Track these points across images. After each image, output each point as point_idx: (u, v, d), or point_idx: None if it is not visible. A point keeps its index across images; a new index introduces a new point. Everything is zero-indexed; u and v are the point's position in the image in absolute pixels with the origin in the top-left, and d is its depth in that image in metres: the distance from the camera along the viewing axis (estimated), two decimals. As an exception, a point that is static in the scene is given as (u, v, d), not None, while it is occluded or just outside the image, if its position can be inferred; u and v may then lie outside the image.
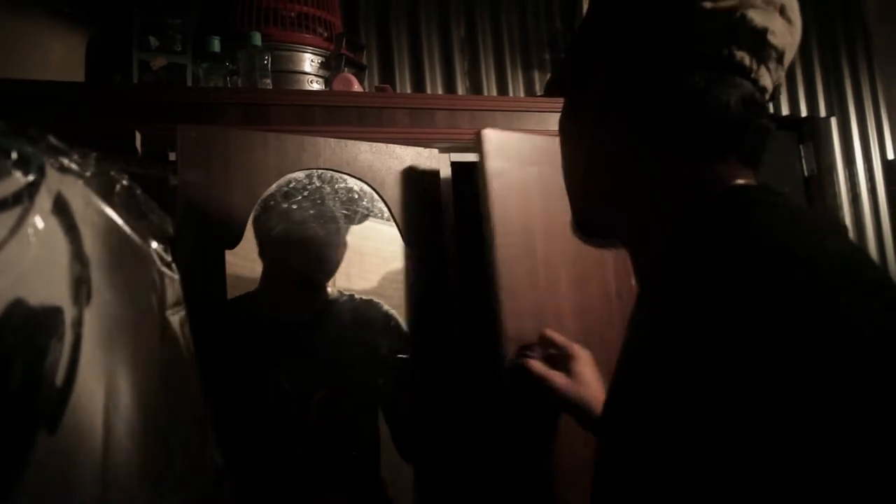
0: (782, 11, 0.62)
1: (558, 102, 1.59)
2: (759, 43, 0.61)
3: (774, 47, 0.62)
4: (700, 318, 0.48)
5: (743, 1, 0.61)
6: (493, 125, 1.47)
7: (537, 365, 1.09)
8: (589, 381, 1.06)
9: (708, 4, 0.60)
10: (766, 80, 0.63)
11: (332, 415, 1.27)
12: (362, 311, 1.32)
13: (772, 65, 0.63)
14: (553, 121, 1.57)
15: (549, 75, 2.48)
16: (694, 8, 0.60)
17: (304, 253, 1.28)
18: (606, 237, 0.74)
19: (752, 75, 0.62)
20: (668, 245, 0.60)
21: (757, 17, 0.60)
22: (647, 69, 0.63)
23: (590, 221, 0.75)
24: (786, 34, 0.62)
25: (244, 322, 1.18)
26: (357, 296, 1.31)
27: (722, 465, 0.43)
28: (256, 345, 1.19)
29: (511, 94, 2.40)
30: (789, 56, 0.64)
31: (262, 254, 1.21)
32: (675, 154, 0.63)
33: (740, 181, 0.61)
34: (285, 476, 1.20)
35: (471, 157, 1.46)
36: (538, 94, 2.43)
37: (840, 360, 0.42)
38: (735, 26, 0.60)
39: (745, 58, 0.61)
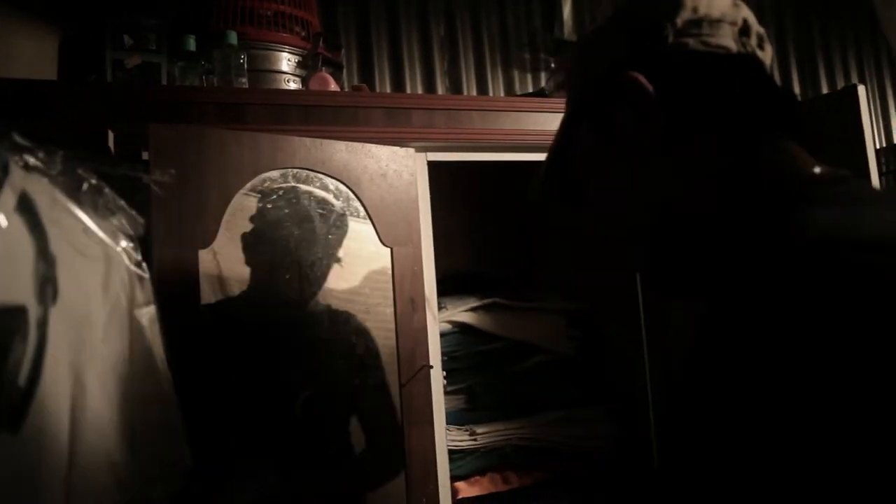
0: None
1: (534, 102, 1.61)
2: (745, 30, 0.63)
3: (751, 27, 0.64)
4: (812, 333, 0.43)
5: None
6: (470, 125, 1.47)
7: None
8: None
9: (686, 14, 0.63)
10: (764, 57, 0.65)
11: (313, 415, 1.28)
12: (341, 322, 1.32)
13: (746, 40, 0.64)
14: (531, 121, 1.58)
15: (549, 79, 2.49)
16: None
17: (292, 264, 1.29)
18: (692, 277, 0.63)
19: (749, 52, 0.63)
20: (759, 252, 0.53)
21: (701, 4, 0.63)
22: (671, 77, 0.62)
23: (669, 264, 0.65)
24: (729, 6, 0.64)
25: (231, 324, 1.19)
26: (334, 306, 1.31)
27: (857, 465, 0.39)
28: (244, 347, 1.20)
29: (491, 93, 2.41)
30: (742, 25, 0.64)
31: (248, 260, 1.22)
32: (732, 153, 0.60)
33: (815, 169, 0.58)
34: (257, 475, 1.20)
35: (447, 156, 1.47)
36: (518, 93, 2.44)
37: None
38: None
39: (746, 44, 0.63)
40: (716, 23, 0.63)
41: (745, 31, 0.64)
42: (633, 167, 0.64)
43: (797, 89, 2.84)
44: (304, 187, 1.27)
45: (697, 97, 0.61)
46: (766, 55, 0.66)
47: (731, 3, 0.65)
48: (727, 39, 0.63)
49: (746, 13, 0.65)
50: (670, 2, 0.63)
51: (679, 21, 0.62)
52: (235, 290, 1.24)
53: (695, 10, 0.63)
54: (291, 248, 1.27)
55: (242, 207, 1.24)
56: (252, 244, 1.23)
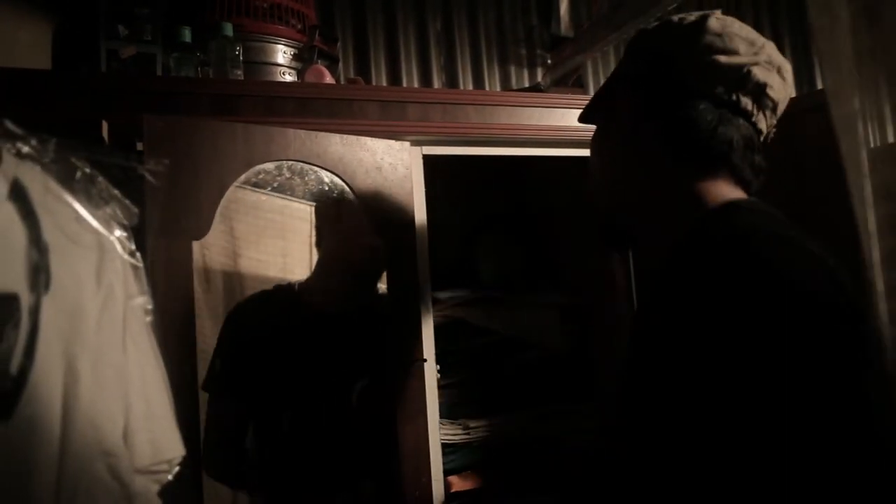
0: (779, 71, 0.77)
1: (530, 97, 1.60)
2: (759, 94, 0.76)
3: (771, 98, 0.77)
4: (698, 297, 0.64)
5: (750, 59, 0.76)
6: (466, 119, 1.47)
7: None
8: None
9: (723, 59, 0.75)
10: (763, 125, 0.78)
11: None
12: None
13: (768, 112, 0.77)
14: (526, 116, 1.58)
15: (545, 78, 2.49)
16: (712, 61, 0.75)
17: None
18: (625, 245, 0.94)
19: (752, 119, 0.76)
20: (673, 246, 0.75)
21: (760, 73, 0.76)
22: (670, 105, 0.77)
23: (612, 230, 0.88)
24: (781, 89, 0.78)
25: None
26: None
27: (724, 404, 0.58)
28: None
29: (487, 87, 2.41)
30: (781, 108, 0.79)
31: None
32: (687, 175, 0.77)
33: (733, 197, 0.76)
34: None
35: (442, 149, 1.47)
36: (514, 88, 2.43)
37: (808, 322, 0.58)
38: (743, 78, 0.75)
39: (748, 104, 0.76)
40: (766, 101, 0.77)
41: (774, 109, 0.78)
42: (614, 160, 0.85)
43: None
44: (298, 180, 1.28)
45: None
46: (770, 124, 0.80)
47: (787, 95, 0.79)
48: (761, 118, 0.77)
49: (790, 93, 0.80)
50: (742, 71, 0.76)
51: (742, 91, 0.76)
52: (221, 282, 1.26)
53: (764, 87, 0.76)
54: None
55: (236, 199, 1.24)
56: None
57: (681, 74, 0.77)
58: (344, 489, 1.32)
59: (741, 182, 0.78)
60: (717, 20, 0.78)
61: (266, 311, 1.32)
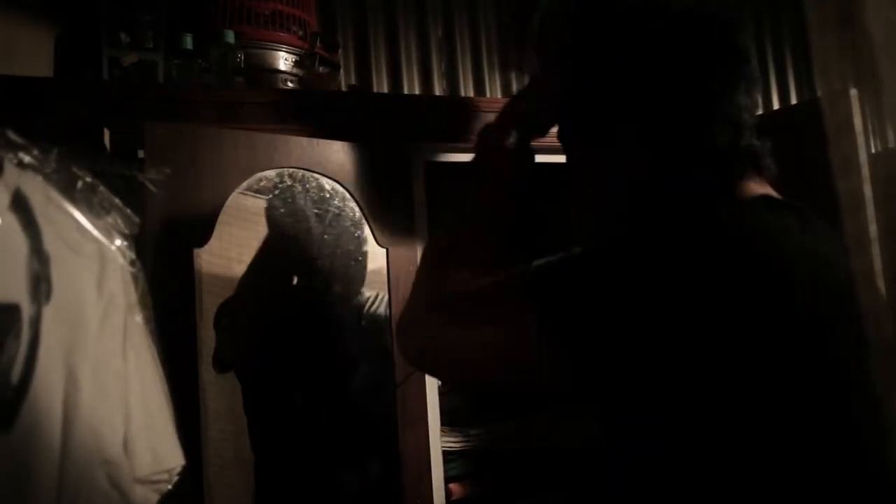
0: None
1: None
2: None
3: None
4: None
5: None
6: (467, 126, 1.47)
7: None
8: None
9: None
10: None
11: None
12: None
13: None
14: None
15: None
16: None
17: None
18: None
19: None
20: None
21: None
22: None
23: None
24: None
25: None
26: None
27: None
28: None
29: (488, 94, 2.41)
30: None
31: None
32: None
33: (760, 192, 0.74)
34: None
35: (444, 156, 1.47)
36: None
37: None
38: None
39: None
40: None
41: None
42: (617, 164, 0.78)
43: (793, 90, 2.85)
44: (299, 187, 1.28)
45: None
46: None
47: None
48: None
49: None
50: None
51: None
52: (223, 289, 1.26)
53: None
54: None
55: (238, 207, 1.24)
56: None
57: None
58: (349, 469, 1.33)
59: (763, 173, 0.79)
60: None
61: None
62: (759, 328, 0.62)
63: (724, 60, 0.73)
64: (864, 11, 0.54)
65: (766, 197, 0.74)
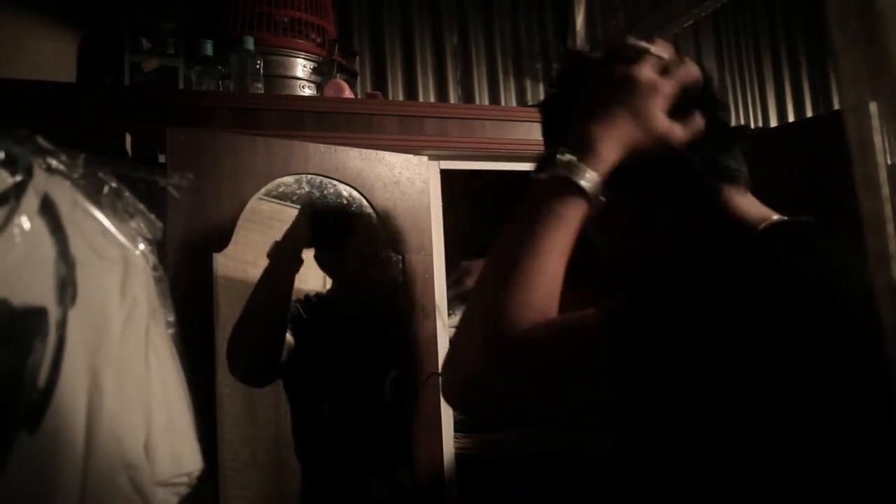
0: None
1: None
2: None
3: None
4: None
5: None
6: (483, 134, 1.48)
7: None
8: None
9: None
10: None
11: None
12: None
13: None
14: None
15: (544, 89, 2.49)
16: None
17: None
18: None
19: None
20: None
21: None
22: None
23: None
24: None
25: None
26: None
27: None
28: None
29: (503, 102, 2.42)
30: None
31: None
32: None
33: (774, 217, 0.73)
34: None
35: (459, 164, 1.48)
36: (530, 102, 2.44)
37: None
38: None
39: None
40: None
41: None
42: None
43: (808, 104, 2.84)
44: (317, 193, 1.29)
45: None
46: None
47: None
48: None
49: None
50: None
51: None
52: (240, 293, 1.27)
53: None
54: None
55: (255, 211, 1.25)
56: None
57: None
58: (379, 475, 1.34)
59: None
60: None
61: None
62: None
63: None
64: (888, 31, 0.54)
65: (782, 221, 0.74)
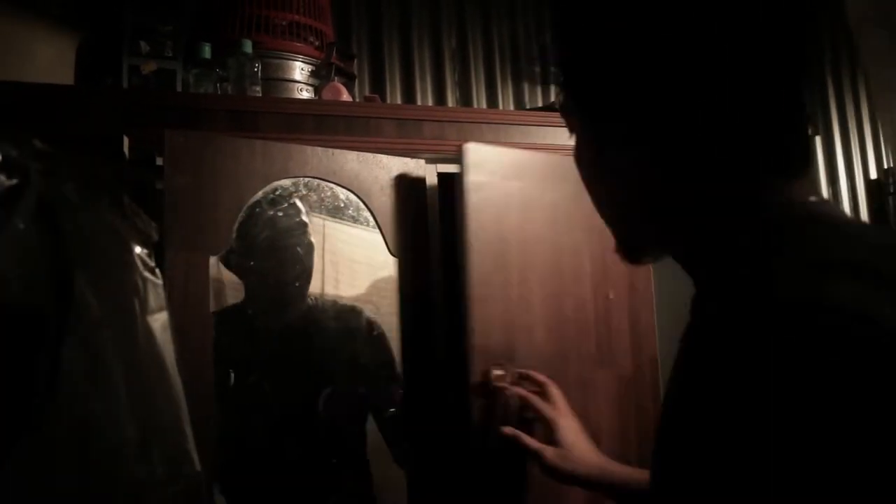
0: None
1: (544, 116, 1.62)
2: None
3: None
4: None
5: None
6: (480, 137, 1.48)
7: (528, 439, 1.07)
8: (582, 452, 1.03)
9: None
10: None
11: (329, 416, 1.30)
12: (345, 319, 1.33)
13: None
14: (540, 135, 1.59)
15: (555, 95, 2.50)
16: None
17: (281, 261, 1.30)
18: (656, 256, 0.68)
19: None
20: (727, 262, 0.55)
21: None
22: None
23: (636, 243, 0.67)
24: None
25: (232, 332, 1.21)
26: (340, 301, 1.33)
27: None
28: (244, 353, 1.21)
29: (501, 106, 2.43)
30: None
31: (243, 264, 1.23)
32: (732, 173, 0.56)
33: (808, 197, 0.56)
34: (273, 480, 1.21)
35: (457, 168, 1.48)
36: (528, 106, 2.45)
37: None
38: None
39: None
40: None
41: None
42: (627, 164, 0.60)
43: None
44: (314, 196, 1.29)
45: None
46: None
47: None
48: None
49: None
50: None
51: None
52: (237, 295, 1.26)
53: None
54: (290, 256, 1.29)
55: (252, 215, 1.25)
56: (258, 254, 1.25)
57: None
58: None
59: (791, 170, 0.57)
60: None
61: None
62: None
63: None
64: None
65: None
